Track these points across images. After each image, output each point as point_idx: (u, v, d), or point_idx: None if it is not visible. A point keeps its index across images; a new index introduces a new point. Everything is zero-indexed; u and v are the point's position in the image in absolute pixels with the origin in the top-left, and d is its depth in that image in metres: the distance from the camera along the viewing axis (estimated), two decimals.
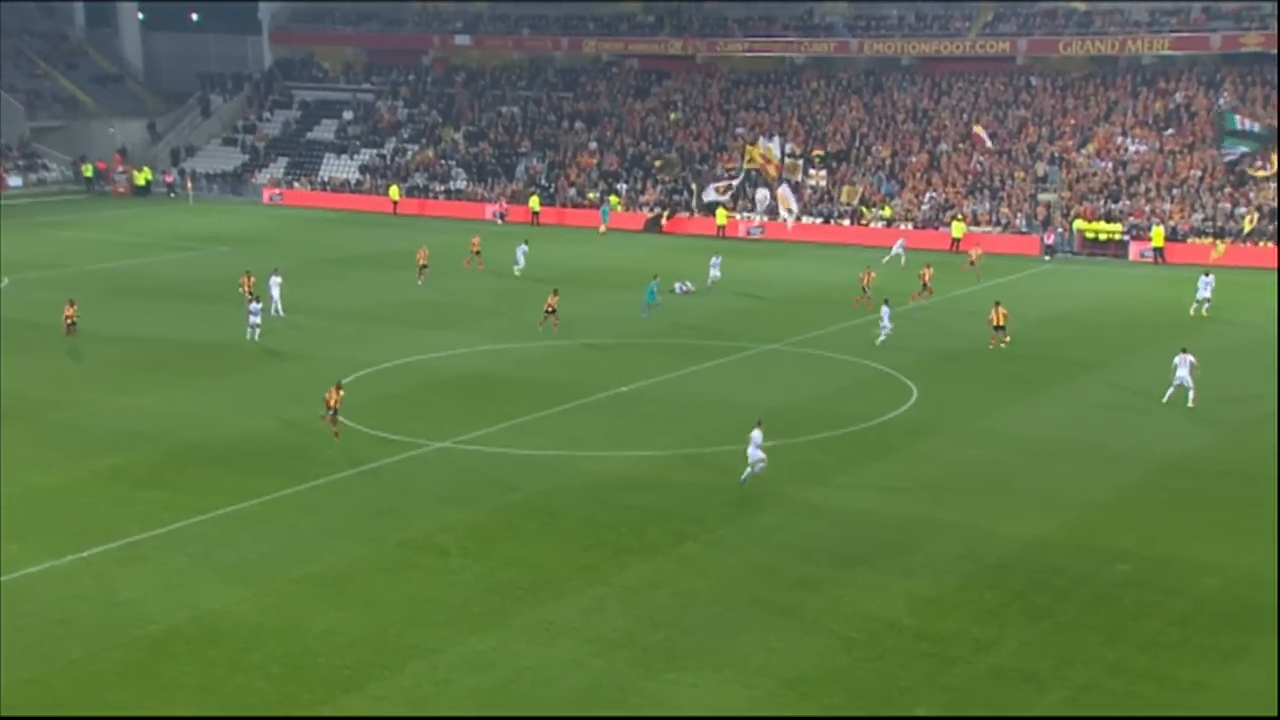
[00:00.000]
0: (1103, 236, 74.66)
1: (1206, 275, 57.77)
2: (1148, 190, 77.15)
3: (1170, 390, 43.01)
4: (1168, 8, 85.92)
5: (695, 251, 73.92)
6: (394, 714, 24.21)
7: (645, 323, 56.70)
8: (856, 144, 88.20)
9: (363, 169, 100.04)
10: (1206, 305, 56.88)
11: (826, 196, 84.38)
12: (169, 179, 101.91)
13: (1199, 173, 76.88)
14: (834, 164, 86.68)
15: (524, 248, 67.73)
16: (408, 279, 64.68)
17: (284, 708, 24.36)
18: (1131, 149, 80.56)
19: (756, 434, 35.66)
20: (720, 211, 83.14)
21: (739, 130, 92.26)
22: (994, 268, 70.10)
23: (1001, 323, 50.67)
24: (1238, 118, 76.39)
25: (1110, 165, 79.88)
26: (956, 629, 27.56)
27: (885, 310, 51.81)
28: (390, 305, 60.68)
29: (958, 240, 75.70)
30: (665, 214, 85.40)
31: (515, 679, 25.51)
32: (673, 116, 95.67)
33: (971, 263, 66.41)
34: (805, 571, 30.60)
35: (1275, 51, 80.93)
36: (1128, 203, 76.68)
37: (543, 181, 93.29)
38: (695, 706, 24.44)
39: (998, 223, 78.29)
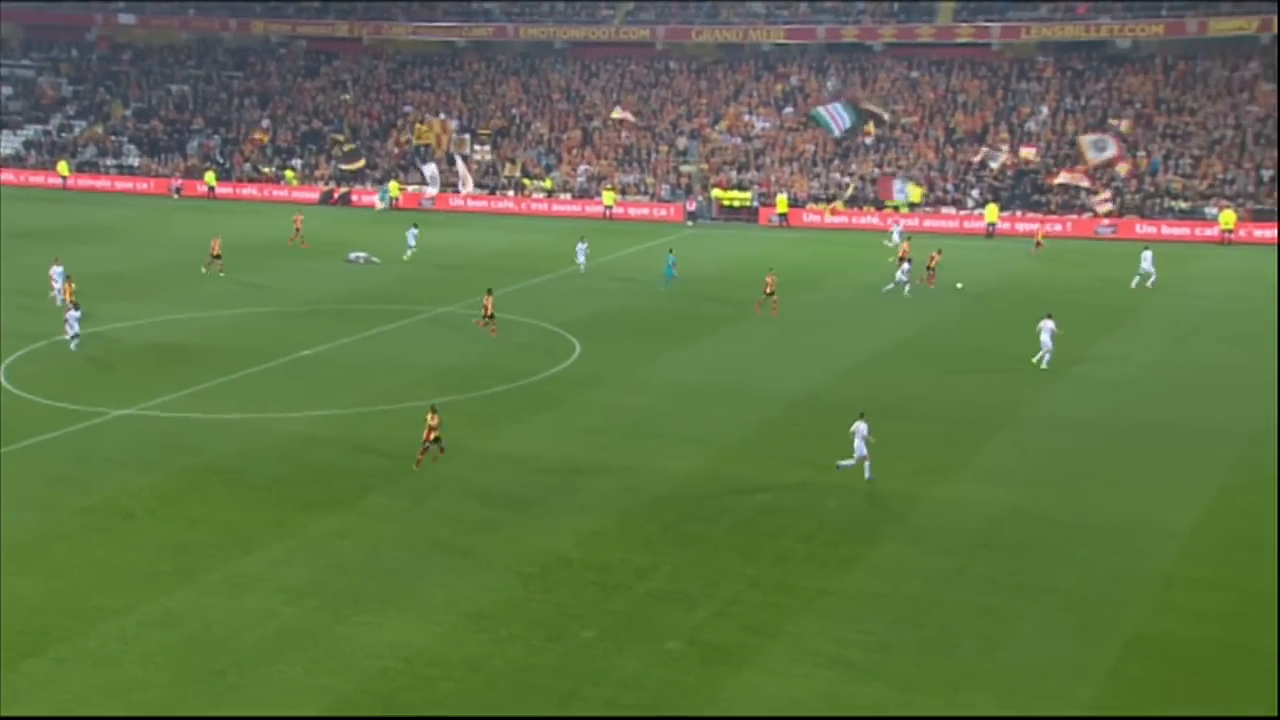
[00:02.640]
0: (736, 203, 77.29)
1: (1146, 250, 55.76)
2: (772, 162, 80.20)
3: (1041, 353, 42.72)
4: (780, 2, 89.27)
5: (374, 223, 72.92)
6: (78, 674, 22.98)
7: (320, 290, 55.49)
8: (517, 121, 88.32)
9: (27, 144, 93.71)
10: (1152, 279, 54.41)
11: (491, 170, 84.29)
12: None
13: (813, 147, 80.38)
14: (497, 140, 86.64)
15: (414, 230, 64.22)
16: (88, 253, 61.05)
17: None
18: (757, 126, 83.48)
19: (861, 425, 32.52)
20: (393, 184, 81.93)
21: (407, 109, 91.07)
22: (644, 232, 71.65)
23: (772, 289, 50.11)
24: (824, 114, 79.78)
25: (740, 140, 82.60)
26: (619, 559, 28.14)
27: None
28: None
29: (609, 208, 77.13)
30: (343, 188, 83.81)
31: (206, 632, 24.64)
32: (345, 97, 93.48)
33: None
34: (482, 515, 30.63)
35: (870, 43, 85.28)
36: (756, 173, 79.55)
37: (217, 158, 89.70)
38: (382, 645, 24.17)
39: (645, 192, 79.97)
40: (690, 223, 75.89)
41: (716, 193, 78.06)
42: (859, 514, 30.55)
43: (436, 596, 26.20)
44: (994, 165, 74.38)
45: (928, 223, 72.06)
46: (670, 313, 51.87)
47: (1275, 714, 20.57)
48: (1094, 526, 29.54)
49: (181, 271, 59.16)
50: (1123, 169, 71.69)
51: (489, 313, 46.97)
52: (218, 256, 58.63)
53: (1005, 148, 75.26)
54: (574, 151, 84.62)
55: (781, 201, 74.98)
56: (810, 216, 74.70)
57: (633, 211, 77.77)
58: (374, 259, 62.38)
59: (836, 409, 38.94)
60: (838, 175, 77.57)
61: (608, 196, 77.71)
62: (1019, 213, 71.44)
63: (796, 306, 53.02)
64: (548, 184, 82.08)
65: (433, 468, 33.47)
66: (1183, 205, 69.61)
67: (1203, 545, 28.50)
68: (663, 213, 77.28)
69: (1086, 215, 70.41)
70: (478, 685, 22.88)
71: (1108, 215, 69.84)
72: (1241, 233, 65.70)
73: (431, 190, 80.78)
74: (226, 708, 22.06)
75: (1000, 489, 31.96)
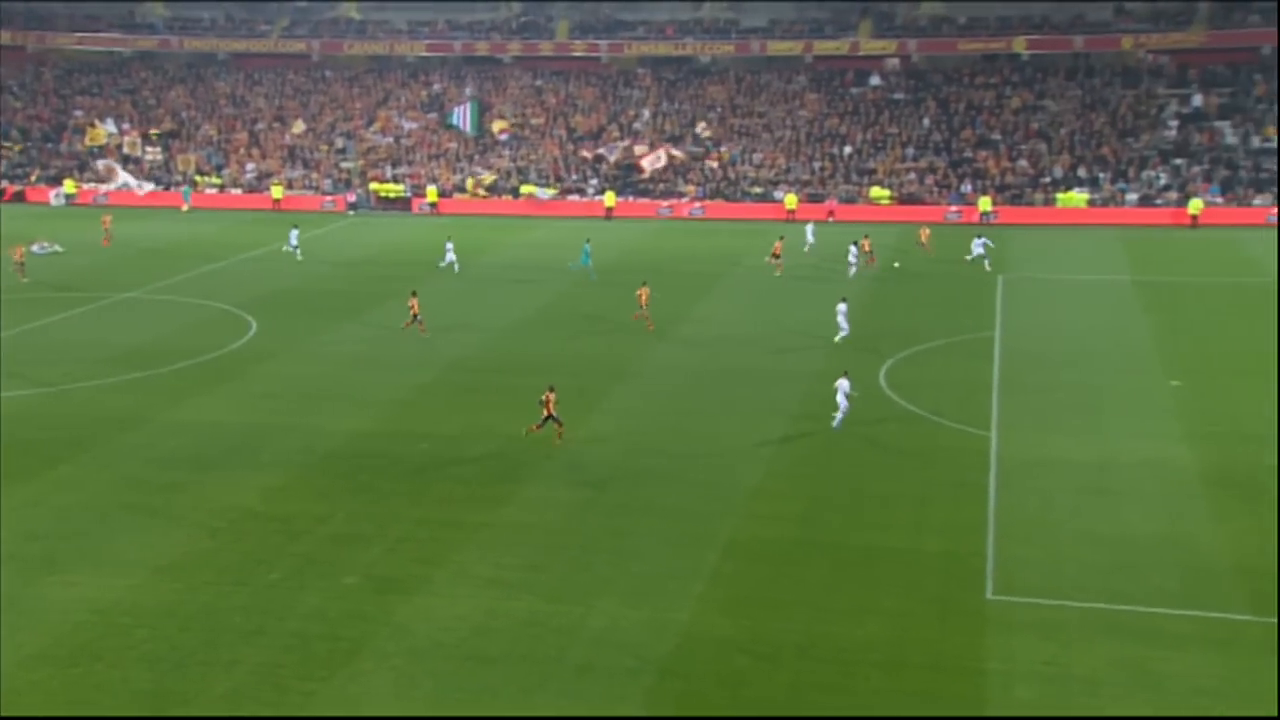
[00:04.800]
0: (391, 195, 75.74)
1: (979, 236, 54.55)
2: (421, 158, 79.01)
3: (841, 334, 41.25)
4: (422, 18, 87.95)
5: (54, 217, 67.29)
6: None
7: (6, 280, 50.70)
8: (186, 124, 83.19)
9: None
10: (987, 261, 52.78)
11: (164, 168, 79.15)
12: None
13: (455, 145, 79.73)
14: (168, 141, 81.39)
15: (295, 230, 57.97)
16: None
17: None
18: (406, 127, 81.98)
19: (844, 382, 32.18)
20: (68, 182, 75.75)
21: (77, 113, 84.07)
22: (305, 222, 69.16)
23: (645, 303, 43.31)
24: (455, 116, 79.30)
25: (392, 139, 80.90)
26: (300, 509, 27.23)
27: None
28: None
29: (278, 201, 74.22)
30: (17, 186, 76.79)
31: None
32: (16, 103, 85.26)
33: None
34: (170, 478, 28.92)
35: (500, 56, 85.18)
36: (407, 168, 78.17)
37: None
38: (76, 601, 22.50)
39: (311, 186, 77.18)
40: (352, 212, 73.93)
41: (374, 185, 76.25)
42: (509, 457, 30.68)
43: (128, 553, 24.58)
44: (610, 159, 75.94)
45: (555, 211, 72.90)
46: (336, 291, 50.34)
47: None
48: (699, 454, 30.81)
49: None
50: (712, 163, 74.78)
51: (416, 313, 42.12)
52: (21, 263, 51.66)
53: (618, 143, 76.88)
54: (242, 151, 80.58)
55: (432, 192, 74.11)
56: (455, 205, 74.08)
57: (300, 204, 74.94)
58: (57, 248, 57.50)
59: (485, 369, 39.05)
60: (479, 169, 77.24)
61: (276, 190, 74.71)
62: (630, 198, 73.31)
63: (445, 283, 52.56)
64: (218, 180, 77.90)
65: (119, 440, 31.28)
66: (757, 190, 73.32)
67: (780, 464, 30.23)
68: (327, 204, 74.90)
69: (684, 199, 73.01)
70: (171, 629, 21.65)
71: (698, 199, 72.66)
72: (799, 211, 69.80)
73: (135, 188, 75.28)
74: None
75: (624, 428, 32.84)
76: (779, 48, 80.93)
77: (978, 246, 54.16)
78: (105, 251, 58.18)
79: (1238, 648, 21.17)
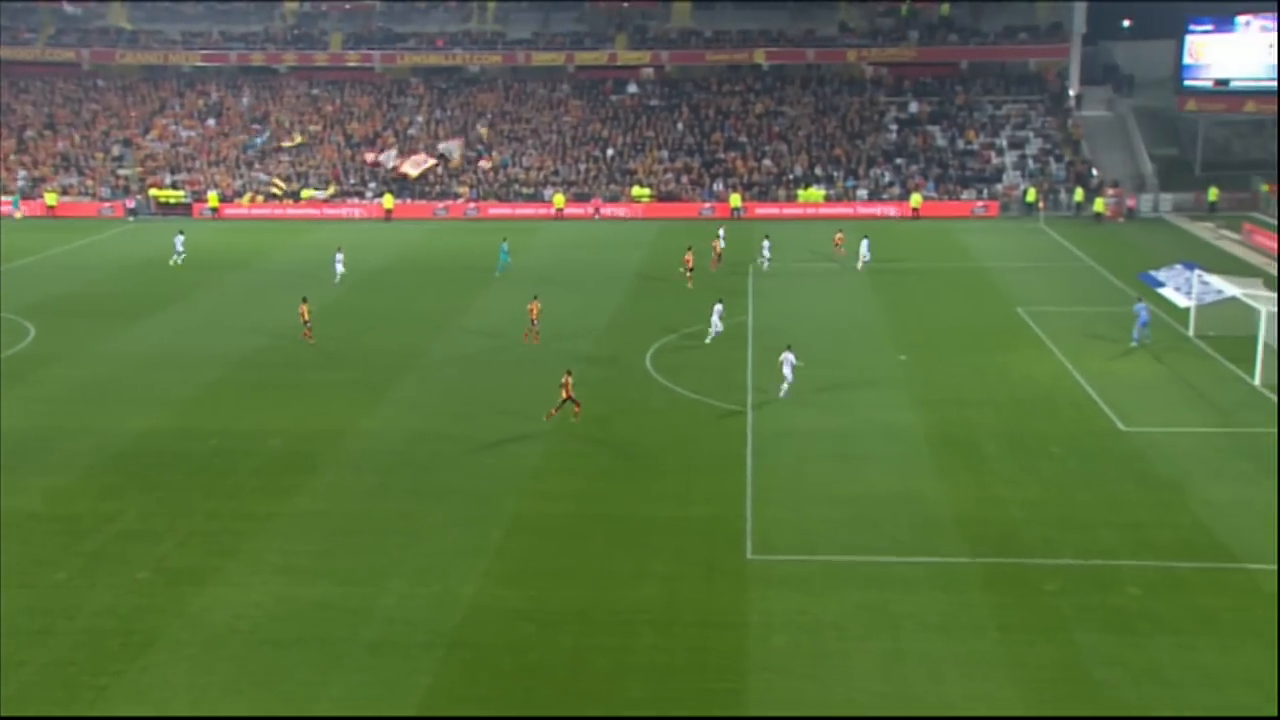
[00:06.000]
0: (172, 200, 71.77)
1: (866, 238, 52.55)
2: (201, 164, 75.21)
3: (711, 332, 39.38)
4: (196, 29, 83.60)
5: None
6: None
7: None
8: None
9: None
10: (865, 262, 51.45)
11: None
12: None
13: (236, 151, 76.30)
14: None
15: (181, 237, 53.34)
16: None
17: None
18: (184, 135, 77.84)
19: (789, 355, 32.80)
20: None
21: None
22: (83, 228, 64.93)
23: (535, 318, 39.92)
24: (257, 140, 76.32)
25: (170, 146, 76.66)
26: (87, 509, 25.65)
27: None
28: None
29: (52, 207, 69.24)
30: None
31: None
32: None
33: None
34: None
35: (276, 66, 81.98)
36: (187, 174, 74.25)
37: None
38: None
39: (87, 193, 72.23)
40: (132, 218, 69.64)
41: (154, 192, 72.04)
42: (299, 449, 29.73)
43: None
44: (387, 165, 74.24)
45: (329, 211, 70.75)
46: (118, 295, 47.39)
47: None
48: (483, 438, 30.61)
49: None
50: (486, 165, 74.15)
51: (306, 319, 39.88)
52: None
53: (391, 149, 75.26)
54: (10, 158, 74.62)
55: (213, 197, 70.65)
56: (235, 210, 70.87)
57: (78, 210, 70.03)
58: None
59: (271, 365, 37.63)
60: (260, 174, 74.12)
61: (50, 197, 69.62)
62: (408, 200, 71.94)
63: (230, 285, 50.33)
64: None
65: None
66: (527, 191, 73.21)
67: (558, 444, 30.34)
68: (107, 210, 70.28)
69: (459, 200, 72.19)
70: None
71: (472, 200, 71.99)
72: (567, 210, 70.19)
73: None
74: None
75: (410, 417, 32.32)
76: (543, 58, 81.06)
77: (864, 248, 52.40)
78: None
79: (959, 587, 22.69)
